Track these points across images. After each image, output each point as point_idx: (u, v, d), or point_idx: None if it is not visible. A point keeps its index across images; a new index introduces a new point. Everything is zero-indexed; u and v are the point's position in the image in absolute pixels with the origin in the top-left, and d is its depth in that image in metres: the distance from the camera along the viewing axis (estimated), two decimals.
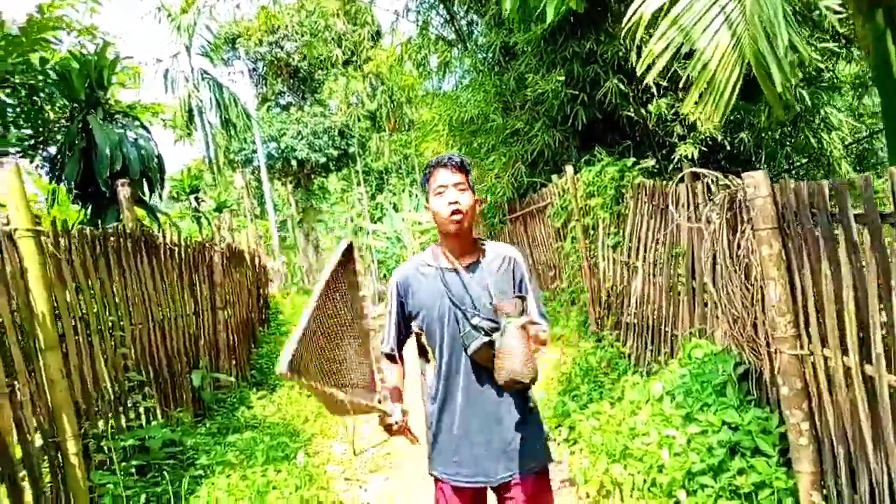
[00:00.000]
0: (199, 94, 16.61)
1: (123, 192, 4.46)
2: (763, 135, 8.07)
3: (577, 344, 6.83)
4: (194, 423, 5.08)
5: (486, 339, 1.92)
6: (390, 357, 2.22)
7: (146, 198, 5.90)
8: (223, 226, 8.90)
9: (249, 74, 29.38)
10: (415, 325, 2.19)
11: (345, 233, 35.69)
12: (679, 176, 3.53)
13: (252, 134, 20.85)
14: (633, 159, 6.27)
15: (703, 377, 3.38)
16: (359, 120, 29.45)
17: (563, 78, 7.27)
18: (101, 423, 3.61)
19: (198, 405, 5.33)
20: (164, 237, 4.99)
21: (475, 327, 1.97)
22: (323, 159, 27.10)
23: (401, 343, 2.25)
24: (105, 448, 3.49)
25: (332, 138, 27.60)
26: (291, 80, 29.64)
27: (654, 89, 7.81)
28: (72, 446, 3.01)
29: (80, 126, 5.27)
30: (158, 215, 6.05)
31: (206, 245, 6.19)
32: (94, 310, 3.75)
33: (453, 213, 2.03)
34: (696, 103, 3.73)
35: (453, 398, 2.09)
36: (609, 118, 8.07)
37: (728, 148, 8.32)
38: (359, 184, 32.54)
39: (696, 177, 4.64)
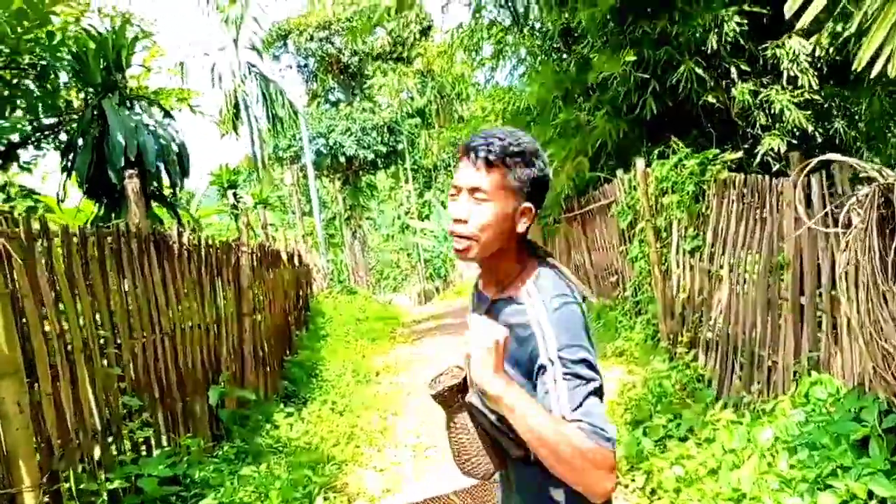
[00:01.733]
0: (245, 88, 16.30)
1: (131, 184, 3.90)
2: (862, 124, 7.07)
3: (643, 361, 6.02)
4: (212, 447, 4.50)
5: (483, 408, 1.40)
6: None
7: (171, 190, 5.36)
8: (257, 223, 8.41)
9: (300, 70, 29.29)
10: None
11: (392, 230, 35.33)
12: (804, 166, 2.71)
13: (298, 130, 20.54)
14: (715, 150, 5.41)
15: (832, 426, 2.56)
16: (408, 116, 29.04)
17: (634, 58, 6.42)
18: (84, 461, 3.02)
19: (216, 425, 4.75)
20: (179, 237, 4.42)
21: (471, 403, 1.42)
22: (371, 156, 26.75)
23: None
24: (88, 491, 2.90)
25: (380, 135, 27.24)
26: (341, 76, 29.44)
27: (734, 74, 6.93)
28: (29, 499, 2.41)
29: (94, 112, 4.76)
30: (179, 212, 5.53)
31: (233, 245, 5.62)
32: (82, 323, 3.17)
33: (454, 232, 1.41)
34: None
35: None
36: (681, 107, 7.19)
37: (818, 140, 7.35)
38: (407, 181, 32.10)
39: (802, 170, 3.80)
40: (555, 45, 8.25)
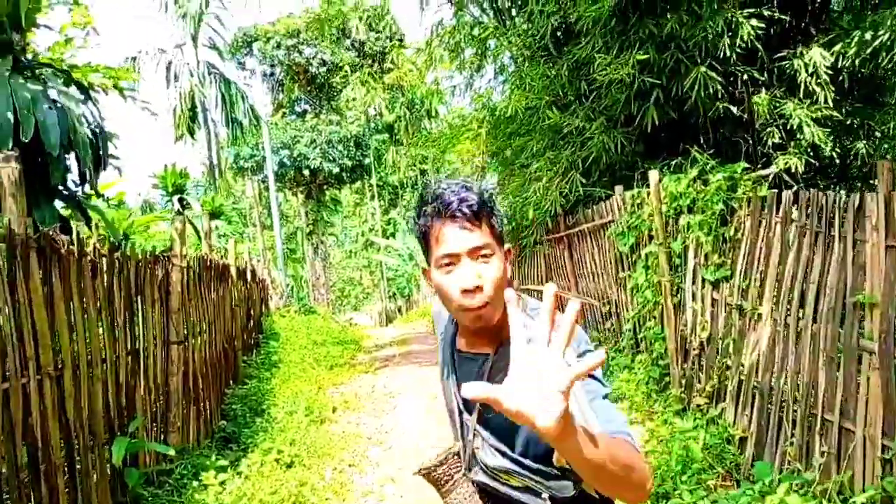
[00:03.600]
0: (203, 89, 15.16)
1: (6, 170, 2.88)
2: (887, 145, 6.41)
3: (648, 409, 5.14)
4: None
5: (493, 480, 1.30)
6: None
7: (82, 185, 4.28)
8: (205, 233, 7.34)
9: (265, 79, 28.18)
10: None
11: (356, 247, 34.32)
12: None
13: (261, 139, 19.47)
14: (744, 164, 4.61)
15: None
16: (376, 131, 28.23)
17: (644, 57, 5.63)
18: None
19: (121, 492, 3.67)
20: (79, 244, 3.37)
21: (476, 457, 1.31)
22: (336, 170, 25.77)
23: None
24: None
25: (347, 148, 26.32)
26: (308, 87, 28.43)
27: (745, 84, 6.21)
28: None
29: None
30: (91, 214, 4.45)
31: (162, 257, 4.57)
32: None
33: (473, 307, 1.24)
34: None
35: None
36: (685, 119, 6.43)
37: (837, 161, 6.67)
38: (372, 197, 31.15)
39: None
40: (545, 47, 7.43)
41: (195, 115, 15.52)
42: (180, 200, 10.52)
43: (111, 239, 4.12)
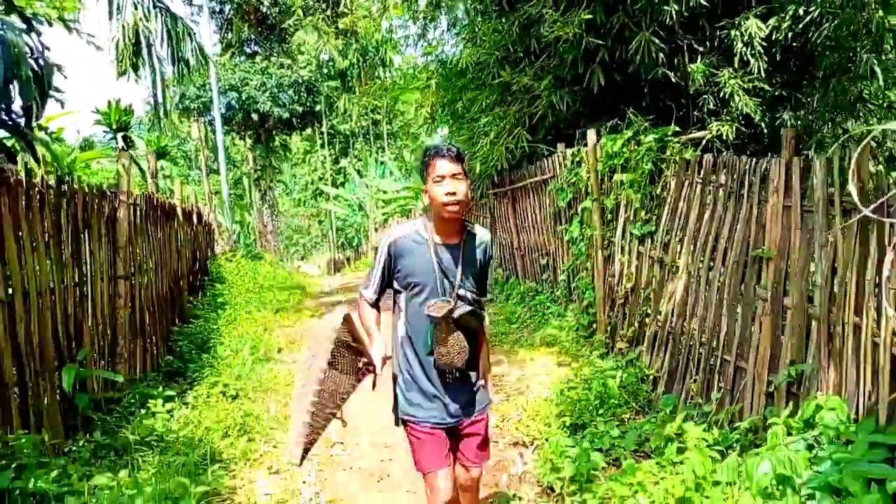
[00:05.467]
0: (148, 23, 14.57)
1: None
2: (811, 117, 6.82)
3: (576, 353, 5.52)
4: (63, 444, 3.59)
5: (470, 307, 2.31)
6: (373, 304, 2.48)
7: (25, 117, 4.23)
8: (151, 173, 7.26)
9: (213, 16, 27.10)
10: (396, 284, 2.44)
11: (304, 195, 33.95)
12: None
13: (208, 79, 18.92)
14: (675, 127, 4.92)
15: (857, 467, 2.05)
16: (328, 77, 27.69)
17: (590, 16, 5.81)
18: None
19: (71, 415, 3.82)
20: (27, 175, 3.42)
21: (461, 297, 2.35)
22: (286, 115, 25.22)
23: (380, 294, 2.47)
24: None
25: (297, 93, 25.73)
26: (259, 28, 27.52)
27: (684, 49, 6.48)
28: None
29: None
30: (37, 146, 4.44)
31: (108, 193, 4.62)
32: None
33: (450, 203, 2.28)
34: None
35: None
36: (630, 82, 6.69)
37: (766, 130, 7.07)
38: (323, 145, 30.75)
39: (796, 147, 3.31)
40: (498, 1, 7.53)
41: (139, 51, 14.90)
42: (125, 138, 10.27)
43: (57, 172, 4.14)
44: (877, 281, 2.30)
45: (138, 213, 5.33)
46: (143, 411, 4.39)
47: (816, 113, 6.73)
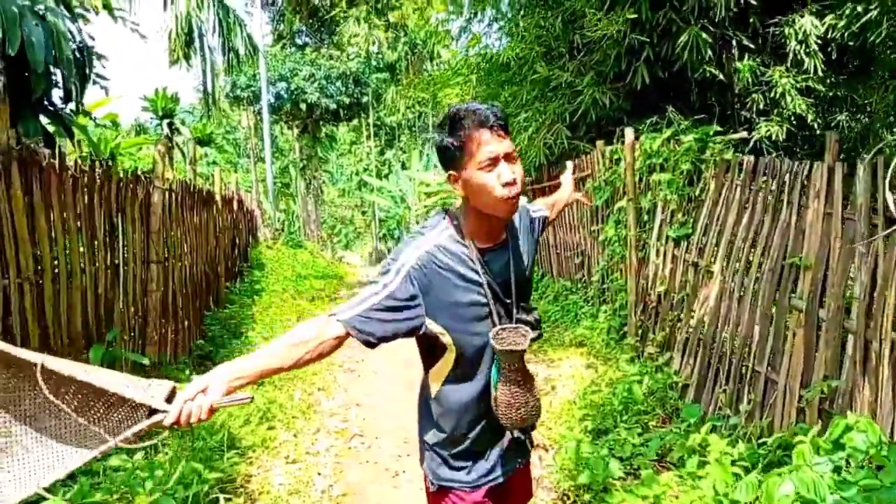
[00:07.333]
0: (200, 14, 14.88)
1: None
2: (867, 118, 6.50)
3: (606, 356, 5.39)
4: None
5: (535, 333, 1.64)
6: (367, 343, 1.53)
7: (67, 101, 4.34)
8: (190, 159, 7.39)
9: (264, 7, 27.54)
10: (432, 326, 1.59)
11: (349, 186, 34.23)
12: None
13: (259, 69, 19.19)
14: (716, 127, 4.73)
15: (887, 494, 1.91)
16: (377, 69, 27.83)
17: (633, 16, 5.66)
18: None
19: None
20: (61, 157, 3.49)
21: (520, 320, 1.66)
22: (334, 106, 25.49)
23: (381, 339, 1.54)
24: None
25: (345, 85, 25.95)
26: (310, 20, 27.84)
27: (735, 49, 6.24)
28: None
29: None
30: (76, 131, 4.54)
31: (144, 178, 4.70)
32: None
33: (512, 197, 1.53)
34: None
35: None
36: (675, 80, 6.48)
37: (818, 132, 6.77)
38: (369, 137, 30.96)
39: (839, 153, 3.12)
40: None
41: (191, 40, 15.27)
42: (169, 125, 10.50)
43: (93, 157, 4.22)
44: None
45: (173, 198, 5.41)
46: None
47: (875, 116, 6.40)
